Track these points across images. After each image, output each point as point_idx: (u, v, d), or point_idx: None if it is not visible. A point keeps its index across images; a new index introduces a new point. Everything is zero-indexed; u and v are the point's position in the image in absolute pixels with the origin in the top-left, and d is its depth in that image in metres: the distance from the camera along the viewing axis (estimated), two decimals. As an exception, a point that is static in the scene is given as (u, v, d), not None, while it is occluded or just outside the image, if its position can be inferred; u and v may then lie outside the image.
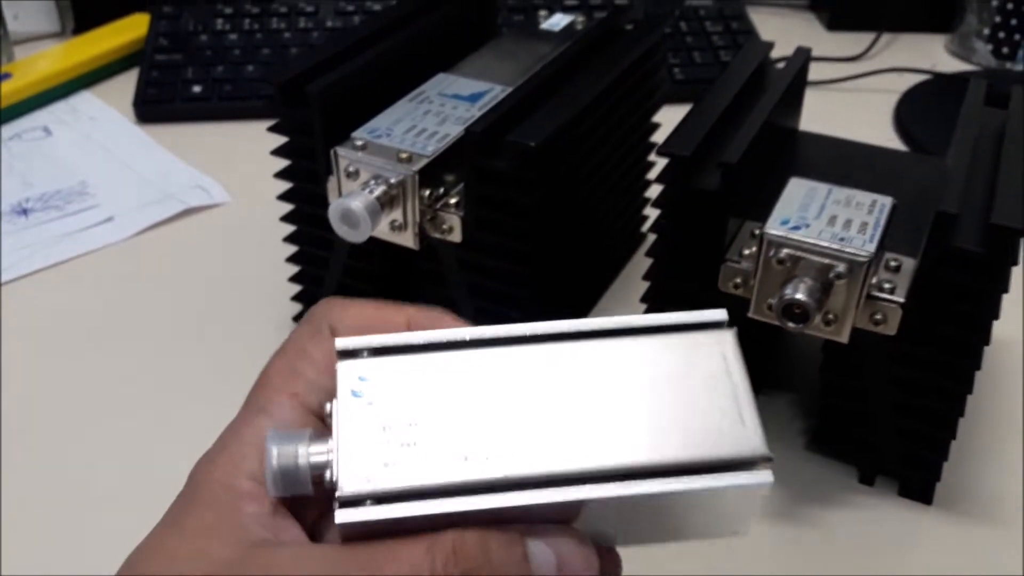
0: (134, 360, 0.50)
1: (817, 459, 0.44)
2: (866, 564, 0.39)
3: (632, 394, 0.25)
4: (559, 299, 0.49)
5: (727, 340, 0.27)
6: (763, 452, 0.26)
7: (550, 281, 0.47)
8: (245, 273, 0.56)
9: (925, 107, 0.72)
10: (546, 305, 0.47)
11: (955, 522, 0.41)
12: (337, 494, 0.23)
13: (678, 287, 0.42)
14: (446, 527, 0.23)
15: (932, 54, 0.82)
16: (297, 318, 0.52)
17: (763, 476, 0.25)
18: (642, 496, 0.24)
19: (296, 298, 0.51)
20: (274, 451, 0.25)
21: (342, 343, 0.25)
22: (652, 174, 0.56)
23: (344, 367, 0.25)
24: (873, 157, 0.48)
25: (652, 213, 0.57)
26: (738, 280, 0.39)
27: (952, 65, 0.80)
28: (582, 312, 0.52)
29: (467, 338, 0.26)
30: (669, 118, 0.50)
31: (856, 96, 0.75)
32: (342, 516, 0.23)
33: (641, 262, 0.57)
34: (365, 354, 0.25)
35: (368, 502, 0.23)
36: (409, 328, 0.28)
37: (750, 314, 0.39)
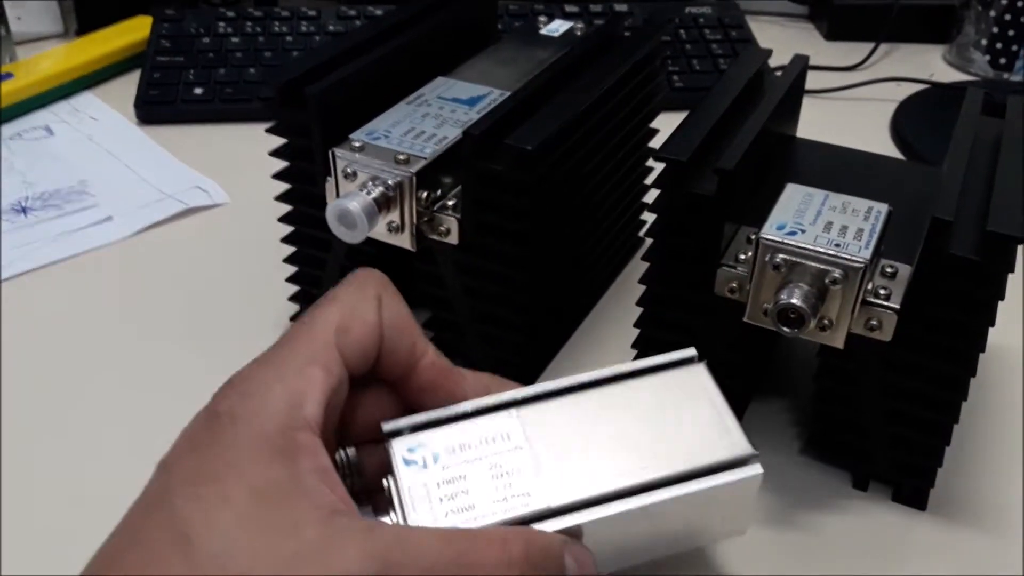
0: (132, 359, 0.50)
1: (811, 464, 0.44)
2: (859, 569, 0.39)
3: (634, 427, 0.32)
4: (556, 302, 0.50)
5: (700, 371, 0.34)
6: (749, 451, 0.32)
7: (547, 284, 0.47)
8: (243, 273, 0.56)
9: (922, 117, 0.72)
10: (543, 308, 0.47)
11: (949, 528, 0.41)
12: None
13: (674, 292, 0.42)
14: None
15: (930, 64, 0.82)
16: (295, 318, 0.52)
17: (753, 469, 0.32)
18: (661, 503, 0.30)
19: (293, 298, 0.51)
20: None
21: (388, 426, 0.32)
22: (650, 179, 0.56)
23: (396, 444, 0.31)
24: (870, 165, 0.48)
25: (650, 217, 0.58)
26: (734, 285, 0.40)
27: (950, 75, 0.80)
28: (578, 316, 0.53)
29: (488, 405, 0.32)
30: (667, 125, 0.50)
31: (853, 105, 0.76)
32: None
33: (639, 265, 0.57)
34: (407, 430, 0.31)
35: None
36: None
37: (746, 319, 0.39)
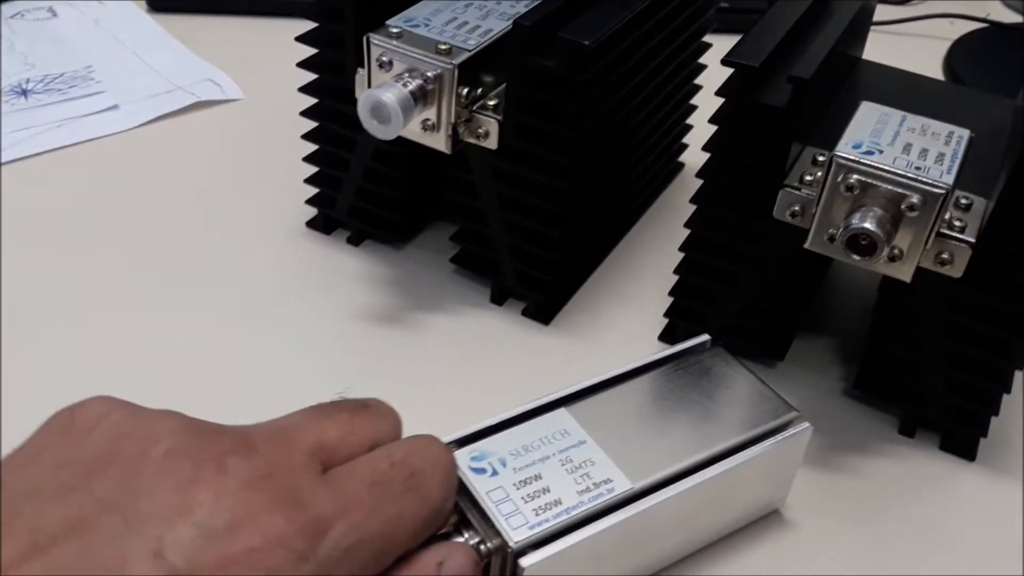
0: (135, 256, 0.47)
1: (855, 407, 0.41)
2: (902, 516, 0.37)
3: (681, 410, 0.33)
4: (594, 221, 0.47)
5: (720, 352, 0.36)
6: (793, 412, 0.34)
7: (587, 200, 0.44)
8: (257, 173, 0.53)
9: (978, 55, 0.68)
10: (580, 226, 0.44)
11: (997, 480, 0.38)
12: (512, 548, 0.28)
13: (728, 213, 0.39)
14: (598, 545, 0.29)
15: (986, 5, 0.78)
16: (312, 224, 0.49)
17: (801, 426, 0.34)
18: (730, 471, 0.32)
19: (311, 202, 0.48)
20: None
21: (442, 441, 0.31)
22: (697, 99, 0.53)
23: (456, 456, 0.30)
24: (942, 91, 0.45)
25: (693, 139, 0.55)
26: (797, 208, 0.36)
27: (1006, 16, 0.76)
28: (613, 240, 0.50)
29: (535, 407, 0.32)
30: (716, 49, 0.47)
31: (906, 40, 0.72)
32: (527, 562, 0.28)
33: (678, 191, 0.54)
34: (458, 443, 0.31)
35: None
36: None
37: (807, 245, 0.36)
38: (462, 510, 0.29)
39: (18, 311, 0.43)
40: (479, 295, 0.45)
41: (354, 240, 0.48)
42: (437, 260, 0.47)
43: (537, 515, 0.29)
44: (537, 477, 0.30)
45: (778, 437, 0.33)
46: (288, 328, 0.43)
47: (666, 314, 0.43)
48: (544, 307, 0.45)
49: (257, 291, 0.45)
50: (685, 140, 0.54)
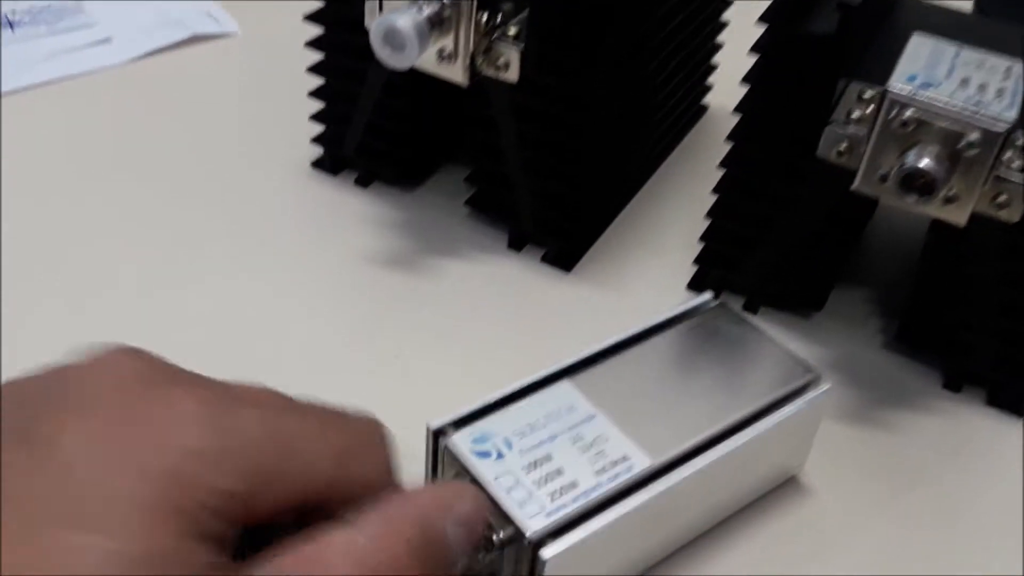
0: (130, 197, 0.44)
1: (896, 360, 0.39)
2: (946, 473, 0.35)
3: (694, 376, 0.31)
4: (616, 161, 0.44)
5: (728, 311, 0.33)
6: (813, 372, 0.32)
7: (610, 138, 0.41)
8: (258, 110, 0.50)
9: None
10: (604, 166, 0.42)
11: (1045, 439, 0.36)
12: (529, 538, 0.26)
13: (767, 152, 0.36)
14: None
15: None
16: (318, 164, 0.46)
17: (823, 386, 0.31)
18: (753, 439, 0.29)
19: (317, 140, 0.45)
20: None
21: (435, 423, 0.28)
22: (722, 37, 0.50)
23: (457, 441, 0.28)
24: (990, 27, 0.42)
25: (718, 81, 0.52)
26: (844, 147, 0.34)
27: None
28: (635, 185, 0.47)
29: (536, 380, 0.30)
30: None
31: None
32: (549, 553, 0.25)
33: (702, 135, 0.51)
34: (450, 429, 0.28)
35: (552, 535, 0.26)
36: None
37: (855, 187, 0.33)
38: None
39: (8, 253, 0.40)
40: (495, 241, 0.43)
41: (362, 181, 0.45)
42: (450, 204, 0.44)
43: (553, 500, 0.26)
44: (548, 458, 0.28)
45: (801, 400, 0.31)
46: (292, 271, 0.41)
47: (696, 261, 0.41)
48: (565, 253, 0.42)
49: (259, 233, 0.42)
50: (709, 81, 0.52)
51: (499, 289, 0.41)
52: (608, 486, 0.27)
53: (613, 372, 0.31)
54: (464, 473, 0.28)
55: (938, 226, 0.35)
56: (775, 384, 0.31)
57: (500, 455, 0.28)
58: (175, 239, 0.42)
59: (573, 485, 0.27)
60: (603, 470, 0.27)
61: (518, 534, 0.26)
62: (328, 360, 0.37)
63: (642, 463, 0.28)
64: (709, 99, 0.53)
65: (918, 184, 0.31)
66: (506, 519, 0.26)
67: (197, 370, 0.23)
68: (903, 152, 0.32)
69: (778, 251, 0.38)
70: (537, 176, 0.40)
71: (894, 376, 0.38)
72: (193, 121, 0.49)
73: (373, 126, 0.43)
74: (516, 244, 0.43)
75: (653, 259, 0.43)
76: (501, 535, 0.26)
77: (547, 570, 0.25)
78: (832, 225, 0.38)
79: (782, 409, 0.30)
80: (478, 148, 0.41)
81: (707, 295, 0.34)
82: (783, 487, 0.34)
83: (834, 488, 0.34)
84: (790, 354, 0.32)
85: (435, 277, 0.41)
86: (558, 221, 0.41)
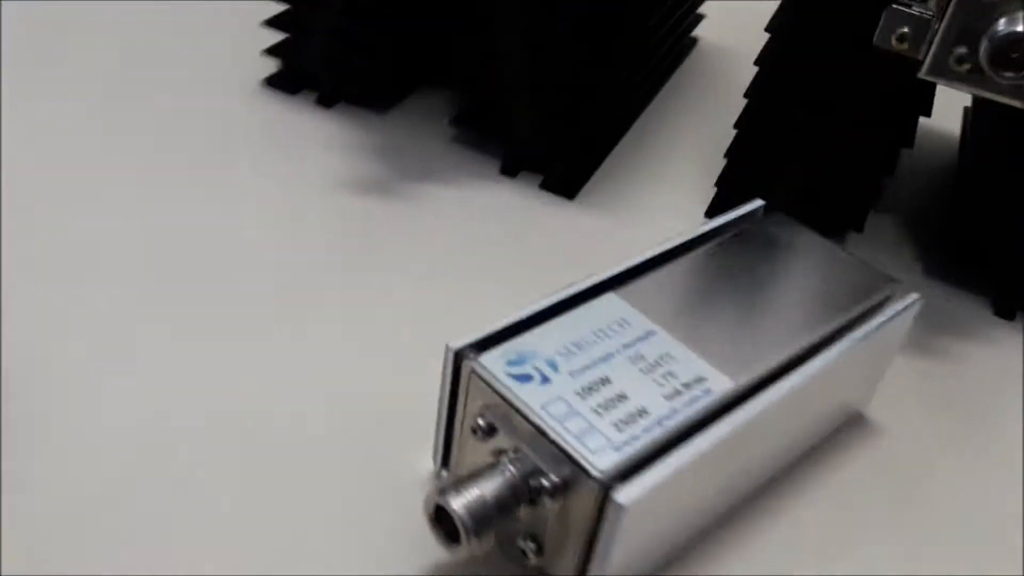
0: (55, 115, 0.36)
1: (940, 288, 0.35)
2: (1005, 400, 0.31)
3: (758, 288, 0.26)
4: (622, 76, 0.39)
5: (782, 218, 0.29)
6: (893, 283, 0.27)
7: (619, 48, 0.36)
8: (194, 13, 0.43)
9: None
10: (611, 78, 0.37)
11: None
12: (598, 476, 0.20)
13: (810, 45, 0.32)
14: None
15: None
16: (274, 81, 0.39)
17: (910, 298, 0.27)
18: (843, 354, 0.25)
19: (272, 52, 0.39)
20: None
21: (456, 343, 0.23)
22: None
23: (487, 363, 0.22)
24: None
25: (707, 9, 0.48)
26: (905, 31, 0.30)
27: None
28: (635, 111, 0.42)
29: (575, 292, 0.25)
30: None
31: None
32: (626, 497, 0.20)
33: (693, 66, 0.47)
34: (475, 352, 0.23)
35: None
36: None
37: (922, 74, 0.29)
38: (497, 429, 0.22)
39: None
40: (485, 167, 0.37)
41: (325, 101, 0.39)
42: (430, 127, 0.39)
43: (620, 431, 0.21)
44: (605, 381, 0.22)
45: (888, 312, 0.26)
46: (253, 205, 0.34)
47: (717, 183, 0.36)
48: (568, 178, 0.37)
49: (207, 164, 0.36)
50: (701, 10, 0.47)
51: (495, 218, 0.35)
52: (685, 412, 0.22)
53: (665, 284, 0.26)
54: (498, 404, 0.22)
55: (974, 140, 0.31)
56: (857, 295, 0.26)
57: (546, 379, 0.22)
58: (103, 162, 0.35)
59: (642, 412, 0.22)
60: (676, 394, 0.22)
61: (578, 475, 0.20)
62: (307, 299, 0.31)
63: (722, 385, 0.23)
64: (701, 30, 0.49)
65: (1014, 58, 0.27)
66: (560, 458, 0.21)
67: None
68: (992, 21, 0.27)
69: (818, 163, 0.34)
70: (541, 87, 0.35)
71: (941, 304, 0.34)
72: (110, 29, 0.41)
73: (341, 35, 0.37)
74: (510, 169, 0.37)
75: (660, 187, 0.38)
76: (552, 479, 0.21)
77: (625, 519, 0.20)
78: (881, 131, 0.33)
79: (870, 322, 0.26)
80: (470, 56, 0.35)
81: (757, 202, 0.29)
82: (850, 426, 0.29)
83: (904, 426, 0.29)
84: (867, 263, 0.28)
85: (420, 207, 0.35)
86: (561, 140, 0.36)
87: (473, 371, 0.22)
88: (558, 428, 0.21)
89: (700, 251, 0.27)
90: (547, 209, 0.36)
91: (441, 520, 0.22)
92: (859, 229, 0.35)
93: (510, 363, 0.22)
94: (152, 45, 0.41)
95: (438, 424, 0.24)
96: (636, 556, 0.22)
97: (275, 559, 0.23)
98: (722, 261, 0.27)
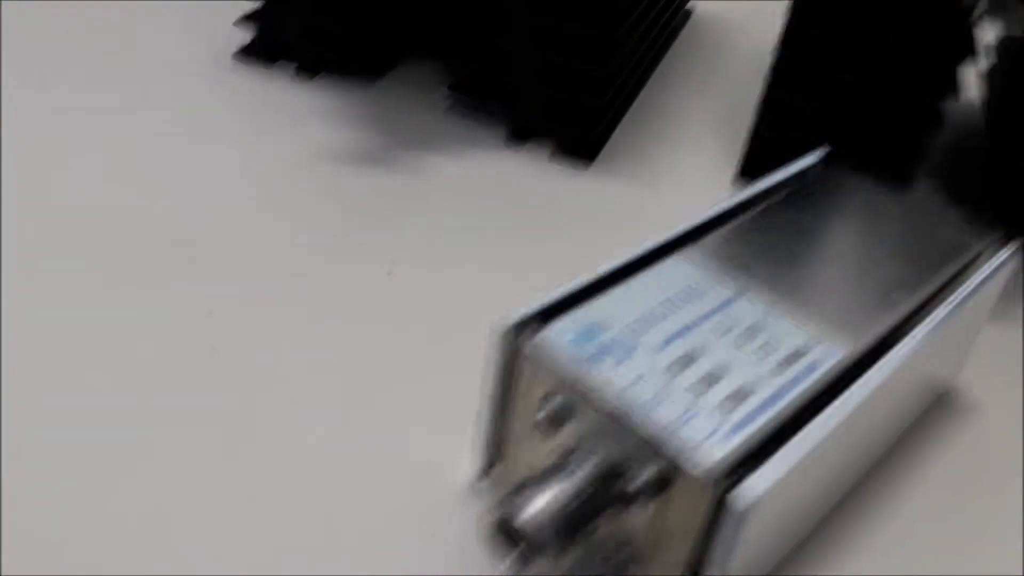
0: (24, 95, 0.32)
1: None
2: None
3: (840, 244, 0.23)
4: (635, 35, 0.35)
5: (850, 172, 0.25)
6: (993, 232, 0.24)
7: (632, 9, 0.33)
8: None
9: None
10: (623, 39, 0.33)
11: None
12: (706, 476, 0.16)
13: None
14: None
15: None
16: (248, 51, 0.35)
17: (1012, 246, 0.24)
18: (958, 308, 0.21)
19: (247, 19, 0.35)
20: None
21: (511, 317, 0.19)
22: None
23: (549, 337, 0.18)
24: None
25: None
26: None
27: None
28: (640, 81, 0.39)
29: (632, 259, 0.21)
30: None
31: None
32: (750, 493, 0.16)
33: (690, 38, 0.44)
34: (528, 329, 0.19)
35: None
36: None
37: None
38: (565, 421, 0.18)
39: None
40: (489, 136, 0.34)
41: (306, 72, 0.35)
42: (424, 97, 0.35)
43: (723, 416, 0.17)
44: (693, 356, 0.19)
45: (995, 262, 0.23)
46: (240, 180, 0.30)
47: (752, 141, 0.33)
48: (584, 144, 0.33)
49: (179, 133, 0.32)
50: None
51: (507, 189, 0.32)
52: (797, 388, 0.18)
53: (735, 245, 0.22)
54: (566, 387, 0.18)
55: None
56: (950, 251, 0.23)
57: (623, 356, 0.18)
58: (69, 141, 0.30)
59: (745, 392, 0.18)
60: (780, 367, 0.19)
61: (677, 471, 0.17)
62: (307, 277, 0.27)
63: (832, 354, 0.19)
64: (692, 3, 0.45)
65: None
66: (655, 445, 0.17)
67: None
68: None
69: (866, 107, 0.30)
70: (553, 50, 0.31)
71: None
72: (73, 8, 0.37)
73: (324, 1, 0.33)
74: (519, 137, 0.33)
75: (678, 153, 0.35)
76: (645, 477, 0.17)
77: (743, 524, 0.16)
78: (927, 76, 0.30)
79: (971, 280, 0.22)
80: (472, 19, 0.32)
81: (818, 153, 0.26)
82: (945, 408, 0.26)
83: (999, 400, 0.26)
84: (959, 214, 0.24)
85: (422, 178, 0.31)
86: (575, 105, 0.32)
87: (534, 349, 0.19)
88: (648, 414, 0.17)
89: (767, 207, 0.24)
90: (563, 178, 0.32)
91: (504, 535, 0.18)
92: (908, 180, 0.32)
93: (581, 337, 0.19)
94: (118, 19, 0.37)
95: (480, 420, 0.20)
96: (754, 558, 0.18)
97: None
98: (793, 216, 0.24)
